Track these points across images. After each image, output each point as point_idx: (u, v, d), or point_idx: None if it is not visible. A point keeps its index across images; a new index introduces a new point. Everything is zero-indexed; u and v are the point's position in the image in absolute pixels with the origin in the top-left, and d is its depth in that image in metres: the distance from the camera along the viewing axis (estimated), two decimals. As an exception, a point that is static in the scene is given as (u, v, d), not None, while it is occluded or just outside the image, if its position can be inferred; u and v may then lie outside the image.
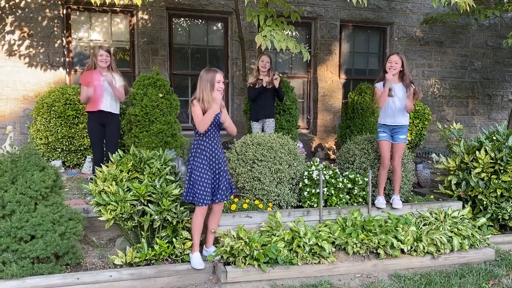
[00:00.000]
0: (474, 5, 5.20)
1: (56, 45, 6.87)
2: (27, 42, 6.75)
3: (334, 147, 8.06)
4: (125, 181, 3.79)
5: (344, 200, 4.38)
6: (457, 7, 5.47)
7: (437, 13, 8.17)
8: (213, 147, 3.61)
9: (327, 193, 4.33)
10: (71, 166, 6.26)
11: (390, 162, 4.46)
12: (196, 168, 3.55)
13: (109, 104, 4.83)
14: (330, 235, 3.96)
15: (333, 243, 3.91)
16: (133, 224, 3.71)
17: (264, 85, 5.49)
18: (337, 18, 8.22)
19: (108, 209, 3.63)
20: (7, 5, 6.62)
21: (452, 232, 4.19)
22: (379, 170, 4.48)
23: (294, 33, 8.10)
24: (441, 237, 4.03)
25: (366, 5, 4.81)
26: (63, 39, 6.99)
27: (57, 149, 6.08)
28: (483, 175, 4.62)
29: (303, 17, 6.92)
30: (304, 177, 4.33)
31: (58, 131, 5.97)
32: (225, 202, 4.01)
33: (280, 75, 6.03)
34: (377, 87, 4.43)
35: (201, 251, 3.75)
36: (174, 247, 3.70)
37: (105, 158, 4.85)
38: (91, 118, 4.87)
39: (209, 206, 3.70)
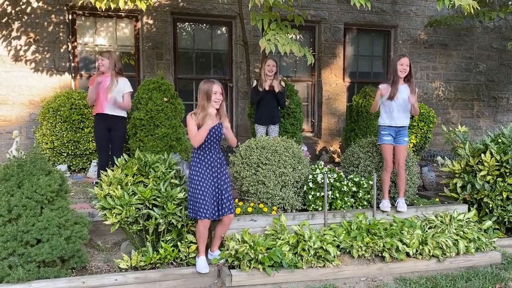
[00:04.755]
0: (478, 8, 5.19)
1: (62, 50, 6.92)
2: (33, 47, 6.80)
3: (339, 150, 8.04)
4: (130, 185, 3.81)
5: (349, 203, 4.37)
6: (461, 10, 5.46)
7: (441, 15, 8.16)
8: (211, 160, 3.55)
9: (332, 196, 4.33)
10: (76, 171, 6.29)
11: (393, 165, 4.47)
12: (194, 181, 3.52)
13: (112, 107, 4.86)
14: (335, 238, 3.95)
15: (338, 246, 3.90)
16: (138, 228, 3.73)
17: (267, 89, 5.48)
18: (341, 22, 8.22)
19: (114, 213, 3.65)
20: (13, 11, 6.68)
21: (457, 235, 4.17)
22: (383, 174, 4.47)
23: (298, 37, 8.11)
24: (446, 240, 4.01)
25: (370, 9, 4.82)
26: (69, 44, 7.04)
27: (63, 154, 6.11)
28: (488, 178, 4.60)
29: (307, 21, 6.93)
30: (309, 180, 4.33)
31: (64, 135, 6.01)
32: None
33: (285, 78, 6.02)
34: (379, 88, 4.47)
35: (206, 254, 3.76)
36: (179, 250, 3.71)
37: (110, 162, 4.87)
38: (97, 121, 4.93)
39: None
